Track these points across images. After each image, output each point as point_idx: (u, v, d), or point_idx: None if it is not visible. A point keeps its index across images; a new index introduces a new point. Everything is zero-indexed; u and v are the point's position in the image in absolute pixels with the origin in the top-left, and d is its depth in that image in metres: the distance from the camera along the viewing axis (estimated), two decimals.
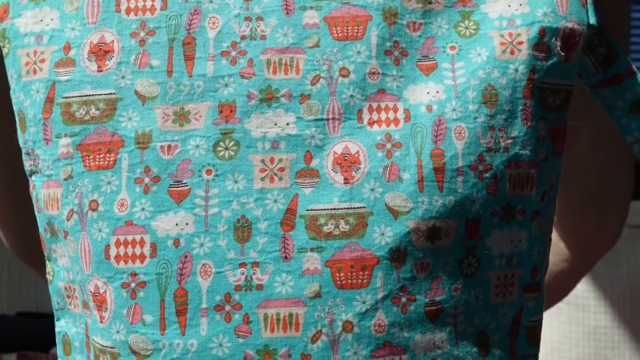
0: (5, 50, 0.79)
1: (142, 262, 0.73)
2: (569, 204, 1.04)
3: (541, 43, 0.76)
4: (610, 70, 0.83)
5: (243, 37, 0.76)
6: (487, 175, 0.74)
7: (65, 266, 0.79)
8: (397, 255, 0.73)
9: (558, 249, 1.10)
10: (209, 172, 0.74)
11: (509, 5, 0.76)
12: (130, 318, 0.73)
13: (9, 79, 0.79)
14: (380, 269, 0.73)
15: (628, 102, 0.83)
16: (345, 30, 0.76)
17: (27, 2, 0.79)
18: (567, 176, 0.99)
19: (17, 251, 1.09)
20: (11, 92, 0.79)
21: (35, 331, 2.30)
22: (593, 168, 1.02)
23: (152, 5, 0.76)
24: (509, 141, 0.75)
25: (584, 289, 2.02)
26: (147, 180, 0.74)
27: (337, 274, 0.73)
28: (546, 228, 0.79)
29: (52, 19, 0.78)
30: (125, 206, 0.74)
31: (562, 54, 0.76)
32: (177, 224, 0.73)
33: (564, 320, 2.04)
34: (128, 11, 0.77)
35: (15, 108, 0.79)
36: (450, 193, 0.73)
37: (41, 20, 0.78)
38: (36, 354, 2.17)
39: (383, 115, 0.75)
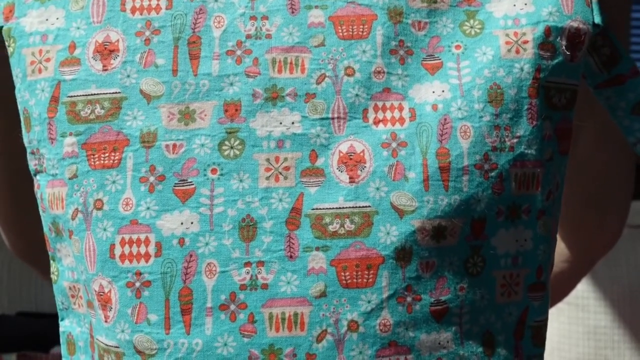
0: (10, 50, 0.79)
1: (147, 261, 0.73)
2: (569, 203, 1.04)
3: (546, 42, 0.76)
4: (613, 70, 0.83)
5: (248, 36, 0.76)
6: (493, 174, 0.74)
7: (69, 266, 0.79)
8: (402, 254, 0.73)
9: (558, 249, 1.10)
10: (214, 171, 0.74)
11: (514, 5, 0.77)
12: (135, 317, 0.73)
13: (14, 78, 0.79)
14: (386, 268, 0.73)
15: (631, 103, 0.84)
16: (351, 29, 0.76)
17: (33, 1, 0.79)
18: (568, 176, 1.00)
19: (18, 251, 1.09)
20: (16, 91, 0.79)
21: (35, 331, 2.30)
22: (594, 168, 1.02)
23: (158, 5, 0.76)
24: (515, 140, 0.75)
25: (584, 289, 2.03)
26: (152, 179, 0.74)
27: (343, 273, 0.72)
28: (552, 227, 0.79)
29: (57, 18, 0.78)
30: (130, 205, 0.74)
31: (568, 53, 0.76)
32: (182, 223, 0.73)
33: (564, 320, 2.04)
34: (133, 10, 0.77)
35: (20, 107, 0.79)
36: (456, 192, 0.73)
37: (46, 20, 0.78)
38: (36, 354, 2.17)
39: (388, 115, 0.75)
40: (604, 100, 0.85)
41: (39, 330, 2.29)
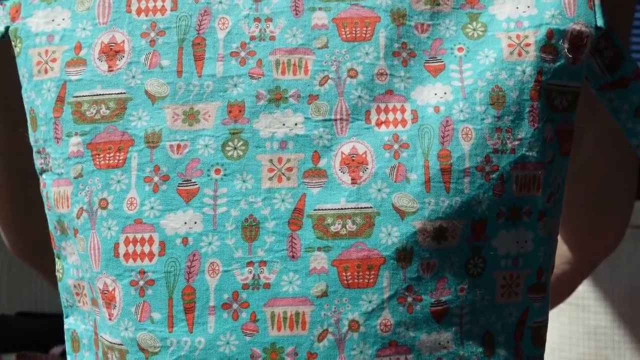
0: (17, 50, 0.80)
1: (150, 260, 0.74)
2: (571, 205, 1.05)
3: (549, 45, 0.76)
4: (616, 73, 0.83)
5: (252, 38, 0.76)
6: (494, 176, 0.75)
7: (74, 264, 0.79)
8: (403, 255, 0.73)
9: (560, 251, 1.11)
10: (217, 171, 0.75)
11: (517, 7, 0.77)
12: (139, 315, 0.74)
13: (21, 78, 0.80)
14: (387, 269, 0.73)
15: (634, 105, 0.84)
16: (354, 32, 0.76)
17: (39, 2, 0.79)
18: (571, 177, 1.00)
19: (18, 251, 1.09)
20: (22, 91, 0.80)
21: (35, 331, 2.30)
22: (596, 170, 1.03)
23: (163, 6, 0.77)
24: (516, 142, 0.75)
25: (584, 289, 2.03)
26: (156, 179, 0.75)
27: (344, 274, 0.73)
28: (552, 229, 0.80)
29: (63, 19, 0.78)
30: (135, 205, 0.75)
31: (570, 56, 0.77)
32: (185, 223, 0.74)
33: (564, 320, 2.04)
34: (139, 12, 0.77)
35: (26, 107, 0.80)
36: (457, 194, 0.74)
37: (52, 20, 0.79)
38: (36, 354, 2.16)
39: (391, 116, 0.76)
40: (607, 103, 0.85)
41: (39, 330, 2.29)
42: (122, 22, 0.77)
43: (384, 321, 0.73)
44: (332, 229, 0.74)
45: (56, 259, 0.82)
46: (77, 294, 0.80)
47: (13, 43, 0.80)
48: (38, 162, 0.80)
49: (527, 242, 0.77)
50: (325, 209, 0.74)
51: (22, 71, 0.80)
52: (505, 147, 0.75)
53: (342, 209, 0.74)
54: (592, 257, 1.13)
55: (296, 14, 0.77)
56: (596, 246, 1.11)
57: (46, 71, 0.78)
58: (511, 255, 0.77)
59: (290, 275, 0.73)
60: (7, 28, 0.81)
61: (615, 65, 0.83)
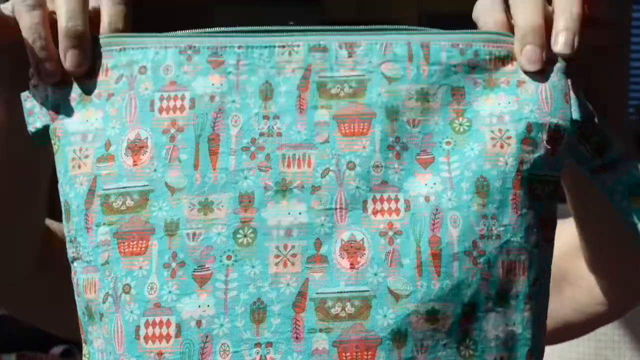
0: (55, 147, 0.87)
1: (168, 342, 0.79)
2: (596, 252, 1.08)
3: (528, 137, 0.81)
4: (606, 156, 0.87)
5: (261, 134, 0.83)
6: (481, 260, 0.80)
7: (99, 348, 0.85)
8: (398, 336, 0.78)
9: (594, 292, 1.14)
10: (229, 257, 0.80)
11: (499, 104, 0.83)
12: None
13: (57, 173, 0.87)
14: (383, 350, 0.78)
15: (626, 185, 0.87)
16: (352, 127, 0.82)
17: (76, 103, 0.86)
18: (594, 224, 1.03)
19: None
20: (59, 185, 0.87)
21: (35, 331, 2.30)
22: (610, 235, 1.06)
23: (182, 105, 0.84)
24: (501, 229, 0.80)
25: None
26: (174, 265, 0.81)
27: (344, 354, 0.78)
28: (540, 312, 0.83)
29: (96, 119, 0.85)
30: (155, 289, 0.80)
31: (549, 147, 0.82)
32: (199, 306, 0.79)
33: None
34: (160, 110, 0.84)
35: (61, 199, 0.87)
36: (447, 277, 0.79)
37: (87, 120, 0.86)
38: (36, 354, 2.17)
39: (386, 206, 0.81)
40: (600, 185, 0.88)
41: (39, 330, 2.31)
42: (146, 121, 0.84)
43: None
44: (333, 311, 0.79)
45: (83, 344, 0.88)
46: None
47: (52, 141, 0.87)
48: (70, 252, 0.87)
49: (515, 325, 0.81)
50: (327, 293, 0.79)
51: (59, 167, 0.87)
52: (491, 233, 0.80)
53: (341, 292, 0.79)
54: (622, 304, 1.15)
55: (300, 112, 0.83)
56: (626, 293, 1.14)
57: (80, 166, 0.85)
58: (500, 337, 0.81)
59: (294, 355, 0.78)
60: (45, 126, 0.88)
61: (603, 149, 0.87)
